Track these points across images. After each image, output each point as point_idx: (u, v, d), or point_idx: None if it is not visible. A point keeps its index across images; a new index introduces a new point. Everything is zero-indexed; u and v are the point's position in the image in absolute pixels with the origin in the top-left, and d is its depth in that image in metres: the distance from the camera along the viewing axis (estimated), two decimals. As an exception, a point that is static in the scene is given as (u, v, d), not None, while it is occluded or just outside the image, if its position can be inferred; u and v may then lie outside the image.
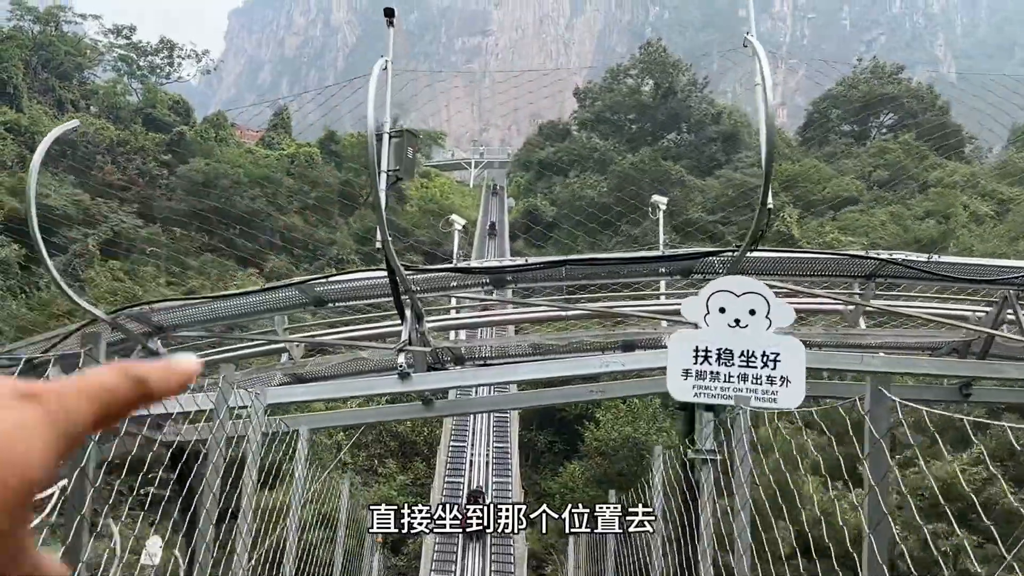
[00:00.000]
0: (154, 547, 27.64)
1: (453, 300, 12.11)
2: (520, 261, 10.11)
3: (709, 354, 6.59)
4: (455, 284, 10.69)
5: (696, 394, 6.80)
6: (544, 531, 35.80)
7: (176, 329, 10.92)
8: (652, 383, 11.02)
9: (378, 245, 9.32)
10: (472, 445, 40.66)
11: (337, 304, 10.87)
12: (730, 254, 10.08)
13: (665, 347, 12.41)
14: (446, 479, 36.60)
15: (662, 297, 12.17)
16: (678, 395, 6.98)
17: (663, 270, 11.05)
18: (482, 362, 11.76)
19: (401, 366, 10.10)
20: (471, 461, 39.08)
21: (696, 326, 6.79)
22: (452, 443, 40.04)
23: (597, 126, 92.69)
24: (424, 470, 42.84)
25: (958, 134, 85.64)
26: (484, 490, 36.85)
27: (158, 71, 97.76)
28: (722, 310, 6.62)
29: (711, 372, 6.58)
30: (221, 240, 64.69)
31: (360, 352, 11.58)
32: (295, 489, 9.93)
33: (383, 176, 9.26)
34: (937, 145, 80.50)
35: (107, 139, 73.89)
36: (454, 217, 14.82)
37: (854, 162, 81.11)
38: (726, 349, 6.54)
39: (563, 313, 11.45)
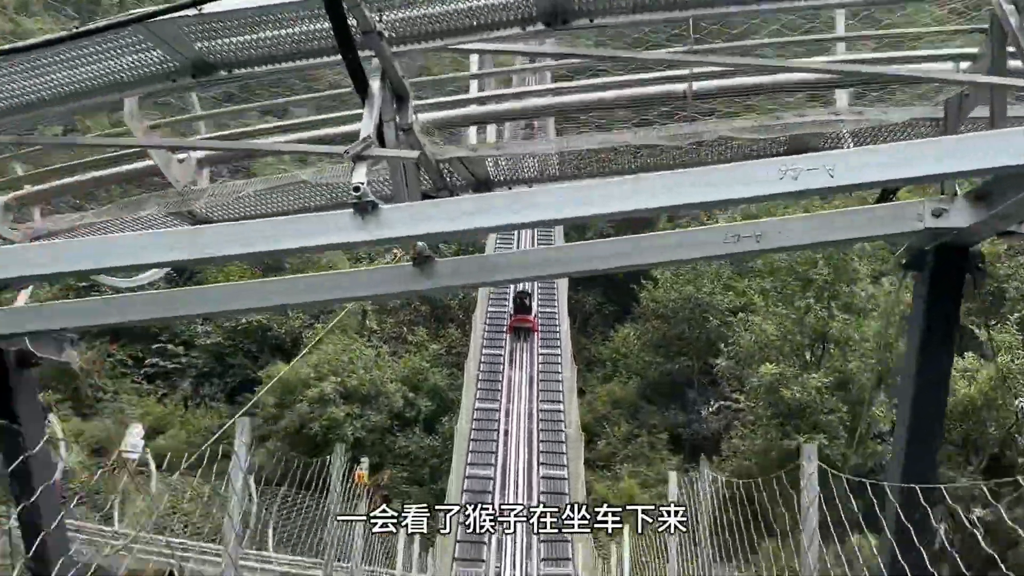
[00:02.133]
0: (135, 436, 23.37)
1: (472, 65, 6.53)
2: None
3: None
4: (471, 22, 5.22)
5: None
6: (593, 404, 30.19)
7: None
8: (870, 220, 5.63)
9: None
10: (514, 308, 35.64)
11: (238, 72, 5.48)
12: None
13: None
14: (484, 350, 31.84)
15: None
16: None
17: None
18: (526, 185, 6.47)
19: (359, 190, 4.87)
20: (513, 328, 34.23)
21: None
22: (490, 308, 35.14)
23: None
24: (459, 337, 38.32)
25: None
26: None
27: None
28: None
29: None
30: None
31: (299, 174, 6.29)
32: None
33: None
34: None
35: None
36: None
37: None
38: None
39: (677, 87, 6.04)
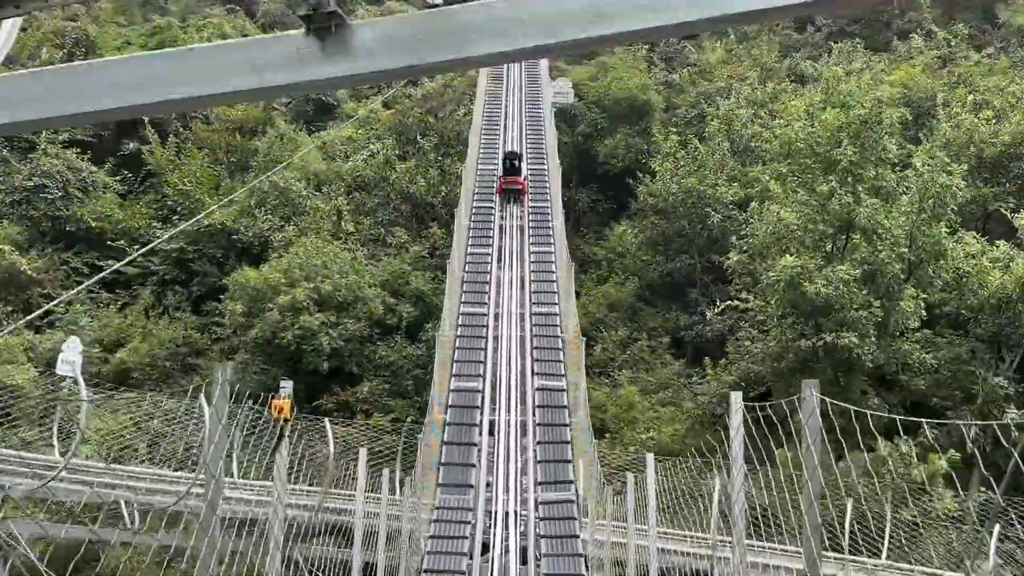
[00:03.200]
0: (72, 352, 20.57)
1: None
2: None
3: None
4: None
5: None
6: (589, 308, 27.07)
7: None
8: None
9: None
10: (504, 206, 32.62)
11: None
12: None
13: None
14: (469, 250, 28.97)
15: None
16: None
17: None
18: None
19: None
20: (500, 226, 31.33)
21: None
22: (476, 203, 32.19)
23: None
24: (442, 237, 35.56)
25: None
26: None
27: None
28: None
29: None
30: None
31: None
32: None
33: None
34: None
35: None
36: None
37: None
38: None
39: None
